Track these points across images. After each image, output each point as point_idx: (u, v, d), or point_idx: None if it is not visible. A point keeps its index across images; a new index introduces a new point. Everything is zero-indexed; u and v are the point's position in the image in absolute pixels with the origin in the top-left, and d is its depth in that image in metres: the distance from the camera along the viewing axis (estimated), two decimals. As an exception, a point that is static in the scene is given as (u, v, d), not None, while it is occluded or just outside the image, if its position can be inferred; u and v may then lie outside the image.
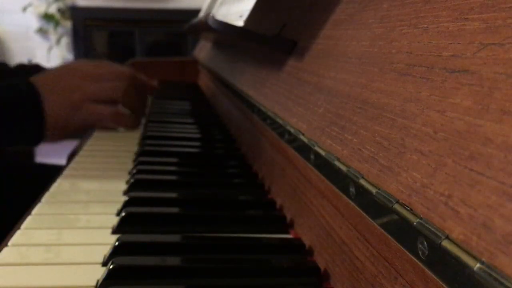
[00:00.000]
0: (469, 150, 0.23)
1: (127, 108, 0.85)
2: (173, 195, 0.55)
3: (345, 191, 0.33)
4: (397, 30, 0.35)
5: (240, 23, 0.73)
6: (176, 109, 1.13)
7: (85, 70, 0.83)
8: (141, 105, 0.91)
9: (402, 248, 0.25)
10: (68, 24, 4.43)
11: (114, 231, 0.44)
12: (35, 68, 1.22)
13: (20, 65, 1.23)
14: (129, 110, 0.85)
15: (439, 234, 0.22)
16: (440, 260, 0.22)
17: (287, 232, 0.46)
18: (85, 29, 4.49)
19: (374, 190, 0.29)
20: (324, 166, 0.37)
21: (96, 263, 0.38)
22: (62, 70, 0.83)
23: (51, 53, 4.35)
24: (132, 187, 0.56)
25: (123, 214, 0.46)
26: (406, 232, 0.25)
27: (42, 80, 0.76)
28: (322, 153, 0.38)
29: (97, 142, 0.80)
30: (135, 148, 0.75)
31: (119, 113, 0.83)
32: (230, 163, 0.70)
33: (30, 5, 4.25)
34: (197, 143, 0.81)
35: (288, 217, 0.48)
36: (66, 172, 0.62)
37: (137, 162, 0.65)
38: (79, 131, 0.81)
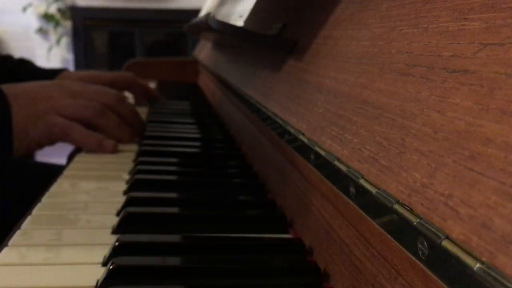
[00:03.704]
0: (469, 150, 0.23)
1: (101, 132, 0.75)
2: (173, 195, 0.55)
3: (345, 191, 0.33)
4: (397, 30, 0.35)
5: (240, 23, 0.73)
6: (176, 109, 1.13)
7: (68, 86, 0.76)
8: (121, 132, 0.78)
9: (402, 248, 0.25)
10: (68, 24, 4.43)
11: (114, 231, 0.44)
12: (19, 63, 1.16)
13: (6, 56, 1.16)
14: (104, 134, 0.75)
15: (439, 234, 0.22)
16: (440, 260, 0.22)
17: (287, 232, 0.46)
18: (85, 29, 4.50)
19: (374, 190, 0.29)
20: (324, 166, 0.37)
21: (96, 263, 0.38)
22: (45, 83, 0.77)
23: (51, 53, 4.36)
24: (132, 187, 0.56)
25: (123, 214, 0.46)
26: (406, 232, 0.25)
27: (15, 91, 0.71)
28: (322, 153, 0.38)
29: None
30: (135, 148, 0.75)
31: (88, 134, 0.73)
32: (230, 163, 0.70)
33: (30, 5, 4.25)
34: (197, 143, 0.81)
35: (288, 217, 0.48)
36: (66, 172, 0.62)
37: (137, 162, 0.65)
38: (41, 144, 0.72)
